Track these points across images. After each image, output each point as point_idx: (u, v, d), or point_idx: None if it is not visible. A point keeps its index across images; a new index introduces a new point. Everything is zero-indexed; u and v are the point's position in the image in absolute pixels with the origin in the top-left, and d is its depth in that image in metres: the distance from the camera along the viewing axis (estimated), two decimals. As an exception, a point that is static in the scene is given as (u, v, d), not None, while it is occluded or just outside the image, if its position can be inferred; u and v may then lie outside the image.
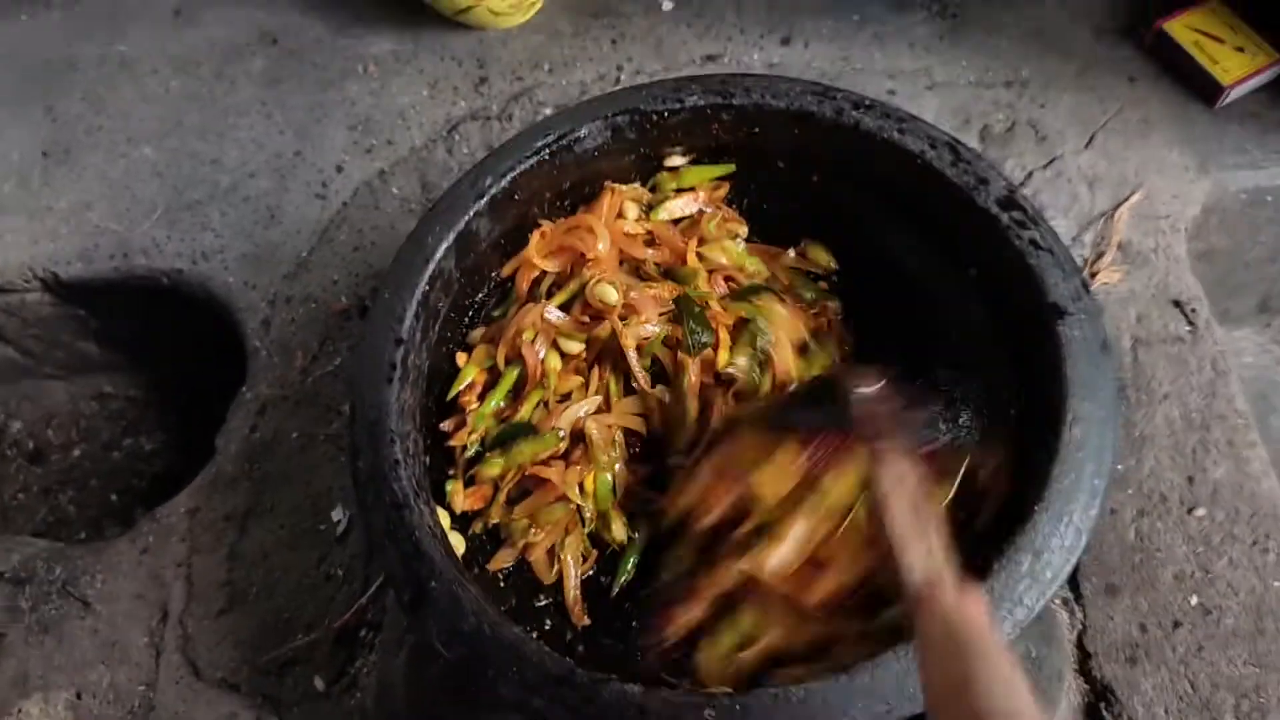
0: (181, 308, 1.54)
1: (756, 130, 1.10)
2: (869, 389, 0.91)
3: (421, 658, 1.05)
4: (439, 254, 1.02)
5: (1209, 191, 1.38)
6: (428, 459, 1.03)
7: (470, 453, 1.07)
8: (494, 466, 1.04)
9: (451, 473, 1.07)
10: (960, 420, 0.94)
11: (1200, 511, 1.12)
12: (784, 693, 0.80)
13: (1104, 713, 1.03)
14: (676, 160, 1.16)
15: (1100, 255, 1.31)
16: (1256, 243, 1.50)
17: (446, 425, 1.07)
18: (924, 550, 0.75)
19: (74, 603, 1.28)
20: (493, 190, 1.05)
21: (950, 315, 1.08)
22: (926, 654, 0.70)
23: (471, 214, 1.04)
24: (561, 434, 1.05)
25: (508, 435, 1.06)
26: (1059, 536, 0.85)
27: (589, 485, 1.04)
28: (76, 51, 1.74)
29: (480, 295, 1.14)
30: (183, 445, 1.79)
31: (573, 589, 1.03)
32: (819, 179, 1.14)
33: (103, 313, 1.62)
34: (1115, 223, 1.32)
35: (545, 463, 1.04)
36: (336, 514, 1.26)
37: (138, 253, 1.52)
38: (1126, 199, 1.36)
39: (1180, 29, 1.47)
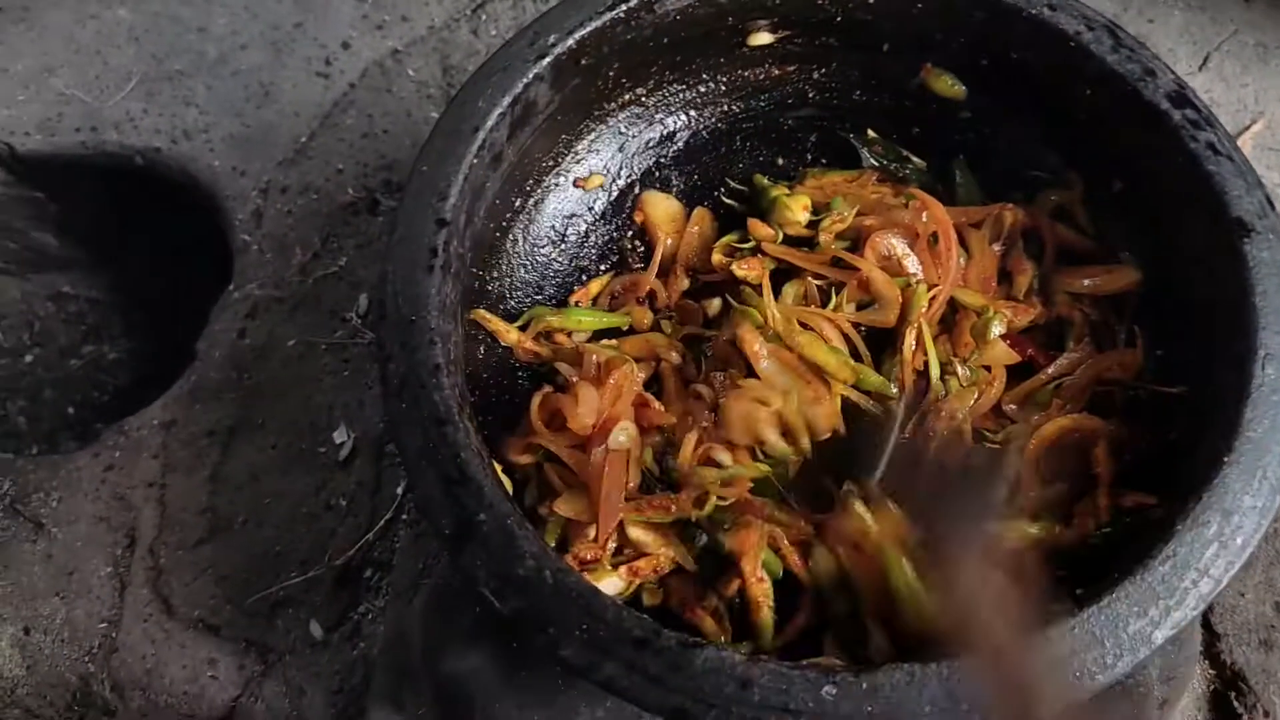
0: (157, 194, 1.34)
1: (872, 1, 0.92)
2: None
3: (447, 606, 0.88)
4: (490, 121, 0.84)
5: (1331, 126, 1.24)
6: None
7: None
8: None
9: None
10: None
11: (1341, 478, 0.98)
12: (921, 671, 0.65)
13: (1235, 703, 0.90)
14: (763, 37, 0.98)
15: (1218, 188, 1.16)
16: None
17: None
18: None
19: (24, 523, 1.09)
20: (557, 49, 0.87)
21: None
22: None
23: (531, 77, 0.86)
24: None
25: None
26: (1251, 495, 0.70)
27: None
28: (41, -105, 1.50)
29: (529, 183, 0.96)
30: (150, 355, 1.59)
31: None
32: (931, 67, 0.97)
33: (64, 196, 1.41)
34: (1237, 152, 1.17)
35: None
36: (339, 435, 1.08)
37: (109, 126, 1.31)
38: (1247, 128, 1.20)
39: (1305, -56, 1.31)
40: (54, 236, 1.50)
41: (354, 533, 1.03)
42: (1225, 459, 0.70)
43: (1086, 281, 0.92)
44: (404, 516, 1.03)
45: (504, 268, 0.96)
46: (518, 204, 0.96)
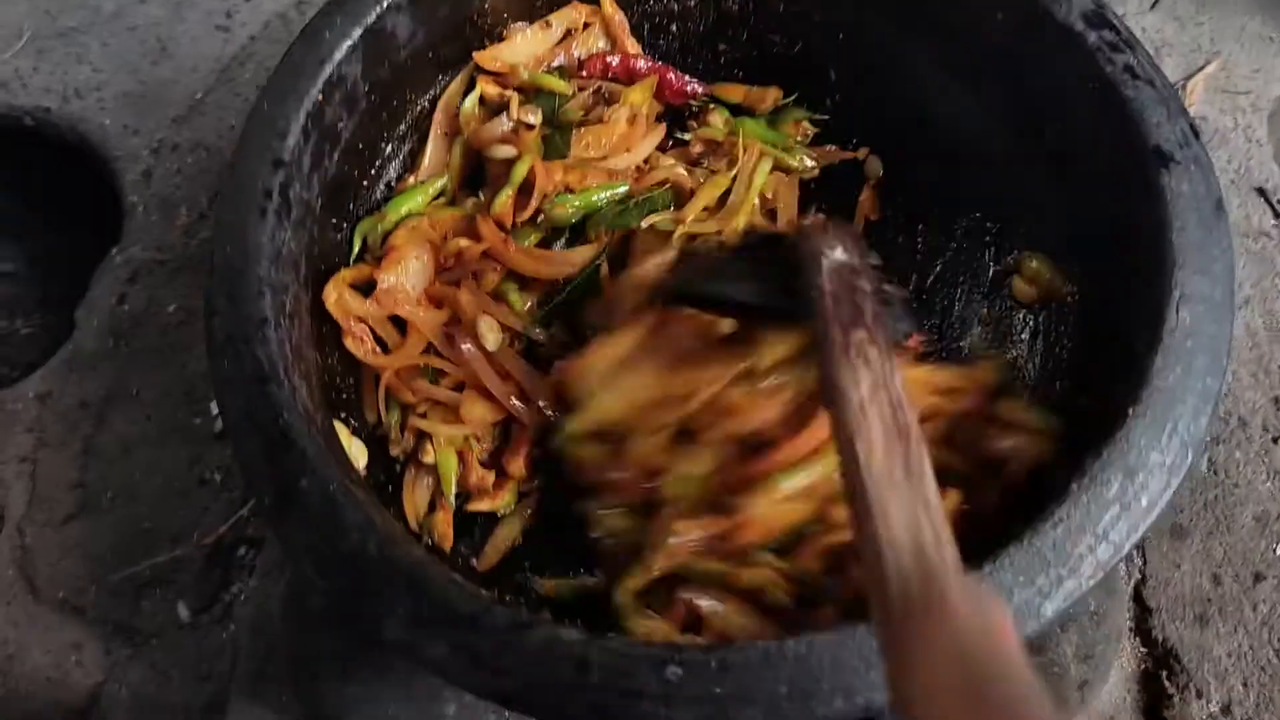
0: (51, 157, 1.27)
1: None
2: (844, 254, 0.61)
3: (302, 583, 0.81)
4: (339, 54, 0.77)
5: (1295, 69, 1.15)
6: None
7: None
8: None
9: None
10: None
11: (1289, 441, 0.91)
12: (779, 648, 0.58)
13: (1166, 682, 0.82)
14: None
15: (1167, 133, 1.08)
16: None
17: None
18: (911, 511, 0.48)
19: (-113, 501, 1.03)
20: (417, -25, 0.79)
21: (1000, 176, 0.84)
22: (922, 675, 0.43)
23: (386, 5, 0.79)
24: None
25: None
26: (1160, 451, 0.62)
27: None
28: None
29: (401, 127, 0.89)
30: (65, 329, 1.53)
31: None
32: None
33: (-43, 161, 1.34)
34: (1188, 94, 1.09)
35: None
36: (216, 406, 1.01)
37: (-4, 85, 1.24)
38: (1201, 69, 1.12)
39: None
40: (-43, 205, 1.44)
41: (228, 509, 0.96)
42: (1130, 410, 0.63)
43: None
44: (282, 491, 0.96)
45: (376, 221, 0.89)
46: (388, 150, 0.88)
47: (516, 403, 0.79)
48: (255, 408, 0.66)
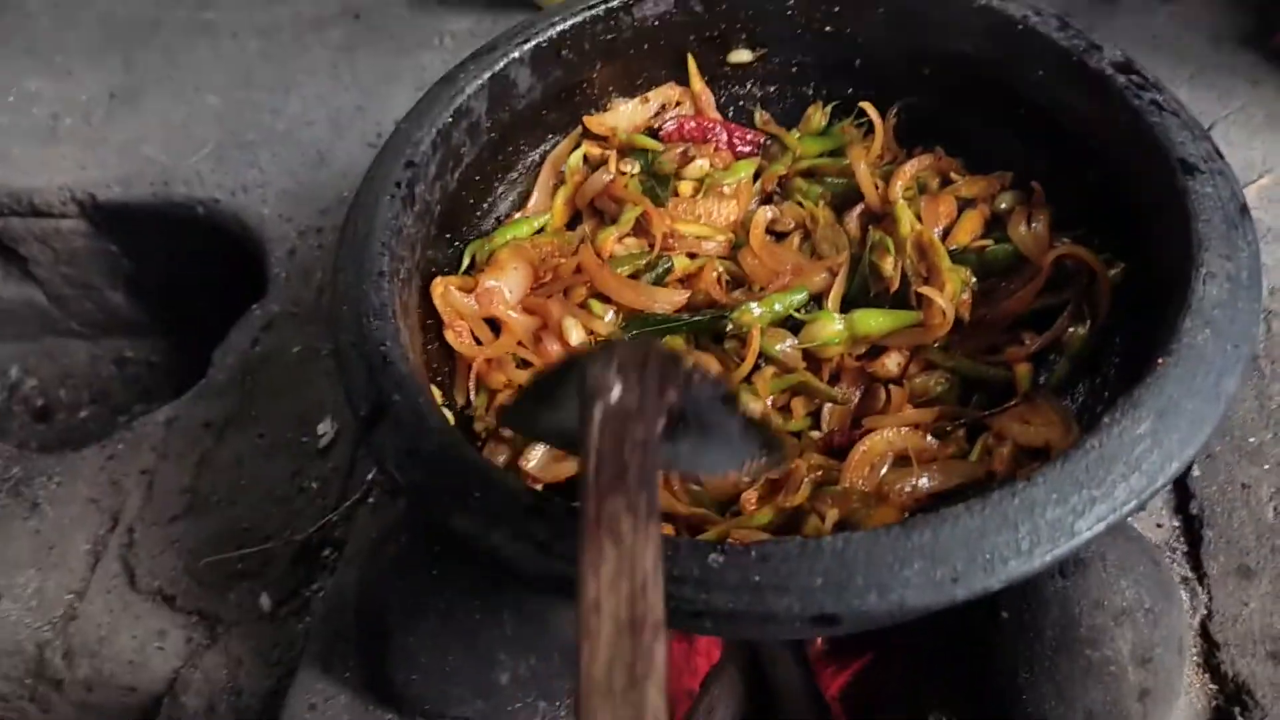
0: (213, 245, 1.46)
1: (837, 9, 0.99)
2: (623, 394, 0.52)
3: (376, 549, 0.87)
4: (469, 90, 0.92)
5: (1348, 194, 1.21)
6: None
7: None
8: None
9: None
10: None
11: (1358, 495, 0.90)
12: (817, 543, 0.61)
13: (1240, 718, 0.79)
14: (742, 55, 1.05)
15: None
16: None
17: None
18: None
19: (21, 503, 1.13)
20: (537, 39, 0.95)
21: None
22: None
23: (511, 59, 0.94)
24: None
25: None
26: (1190, 398, 0.65)
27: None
28: (163, 14, 1.76)
29: (513, 174, 1.03)
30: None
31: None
32: (908, 74, 1.02)
33: (135, 249, 1.55)
34: (1242, 202, 1.16)
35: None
36: (324, 427, 1.11)
37: (179, 182, 1.46)
38: (1254, 182, 1.20)
39: (1313, 35, 1.34)
40: (125, 296, 1.63)
41: (320, 514, 1.03)
42: (1161, 361, 0.66)
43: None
44: (369, 500, 1.03)
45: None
46: (500, 190, 1.02)
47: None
48: (363, 337, 0.75)
